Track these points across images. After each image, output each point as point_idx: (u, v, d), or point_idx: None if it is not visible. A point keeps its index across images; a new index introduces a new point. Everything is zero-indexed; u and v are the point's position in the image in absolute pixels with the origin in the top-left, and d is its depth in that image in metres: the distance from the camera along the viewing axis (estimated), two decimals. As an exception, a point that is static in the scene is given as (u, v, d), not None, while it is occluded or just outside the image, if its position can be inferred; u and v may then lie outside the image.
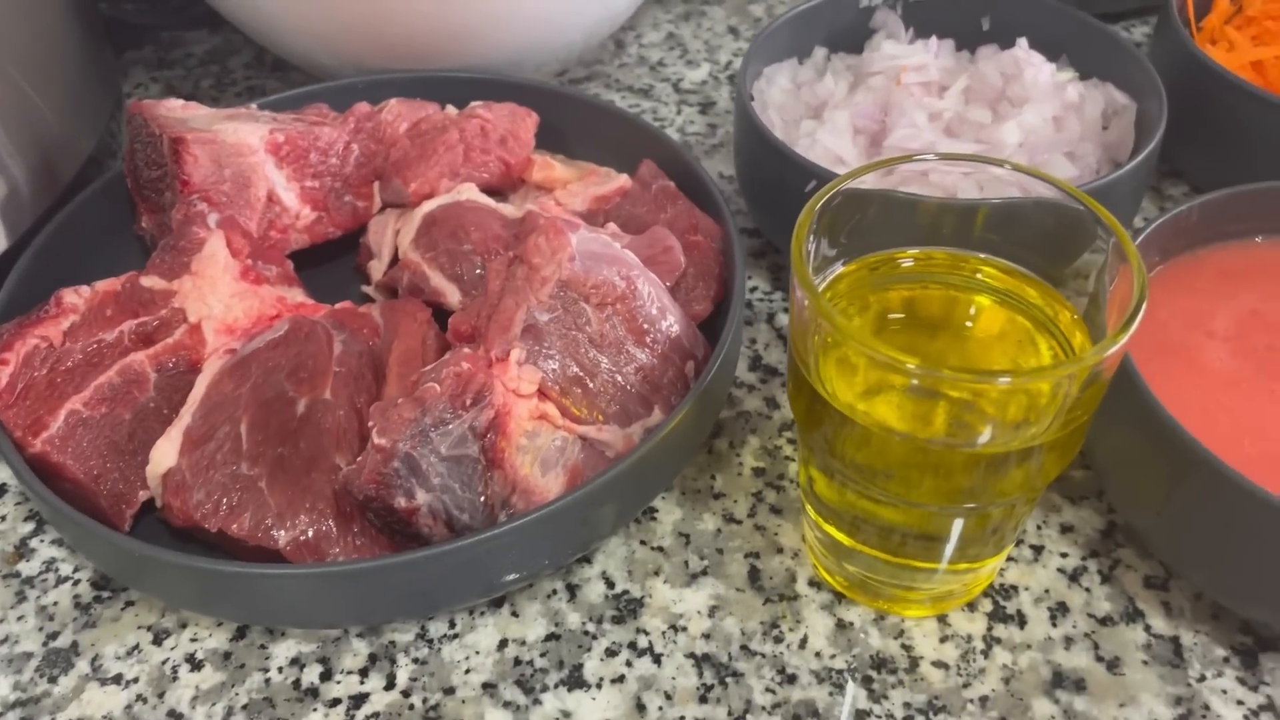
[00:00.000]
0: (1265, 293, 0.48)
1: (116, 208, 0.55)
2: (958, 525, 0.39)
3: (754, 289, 0.58)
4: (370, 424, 0.40)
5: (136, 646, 0.43)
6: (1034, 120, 0.55)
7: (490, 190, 0.55)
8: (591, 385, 0.44)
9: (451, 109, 0.58)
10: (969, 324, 0.41)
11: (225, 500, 0.41)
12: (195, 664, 0.43)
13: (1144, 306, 0.33)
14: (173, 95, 0.73)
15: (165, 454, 0.42)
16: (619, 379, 0.44)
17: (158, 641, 0.43)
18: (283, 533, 0.41)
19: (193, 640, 0.43)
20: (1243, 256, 0.49)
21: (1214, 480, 0.38)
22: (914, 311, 0.41)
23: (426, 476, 0.39)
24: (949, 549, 0.40)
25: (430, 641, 0.43)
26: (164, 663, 0.43)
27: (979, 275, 0.40)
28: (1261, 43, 0.63)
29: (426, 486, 0.39)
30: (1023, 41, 0.59)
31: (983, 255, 0.40)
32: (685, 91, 0.72)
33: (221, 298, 0.47)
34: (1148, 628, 0.43)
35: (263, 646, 0.43)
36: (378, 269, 0.54)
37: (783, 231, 0.57)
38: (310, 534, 0.41)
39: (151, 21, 0.74)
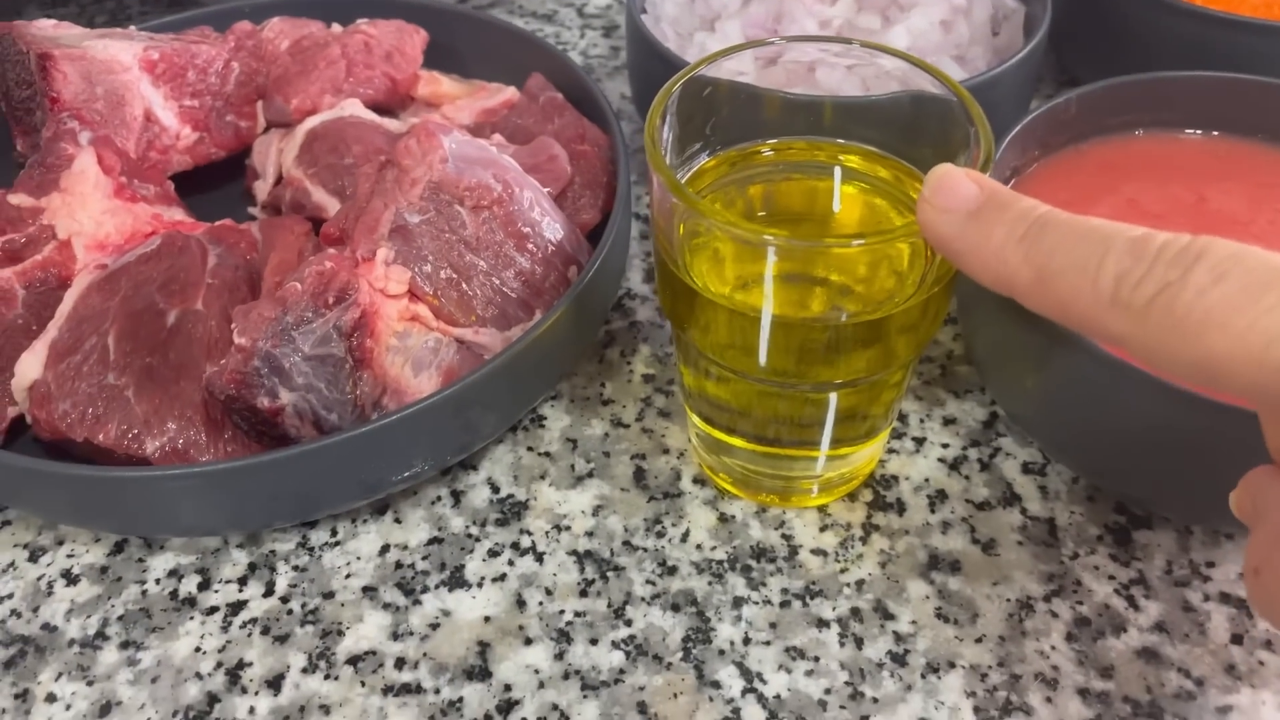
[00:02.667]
0: (1143, 183, 0.48)
1: (-6, 134, 0.54)
2: (828, 410, 0.39)
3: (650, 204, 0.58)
4: (232, 325, 0.39)
5: (12, 564, 0.43)
6: (921, 24, 0.54)
7: (377, 107, 0.55)
8: (467, 288, 0.43)
9: (337, 26, 0.57)
10: (832, 212, 0.41)
11: (91, 410, 0.41)
12: (71, 579, 0.42)
13: (991, 163, 0.33)
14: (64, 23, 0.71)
15: (30, 366, 0.42)
16: (496, 282, 0.44)
17: (33, 559, 0.43)
18: (150, 440, 0.40)
19: (69, 556, 0.43)
20: (1122, 150, 0.49)
21: (1079, 356, 0.38)
22: (776, 205, 0.41)
23: (290, 376, 0.39)
24: (822, 436, 0.40)
25: (311, 550, 0.43)
26: (39, 579, 0.42)
27: (839, 160, 0.40)
28: (1155, -50, 0.63)
29: (290, 386, 0.39)
30: (914, -52, 0.59)
31: (841, 141, 0.40)
32: (589, 16, 0.71)
33: (92, 214, 0.46)
34: (1024, 510, 0.43)
35: (140, 560, 0.43)
36: (263, 189, 0.53)
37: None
38: (179, 442, 0.40)
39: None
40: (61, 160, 0.47)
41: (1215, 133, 0.49)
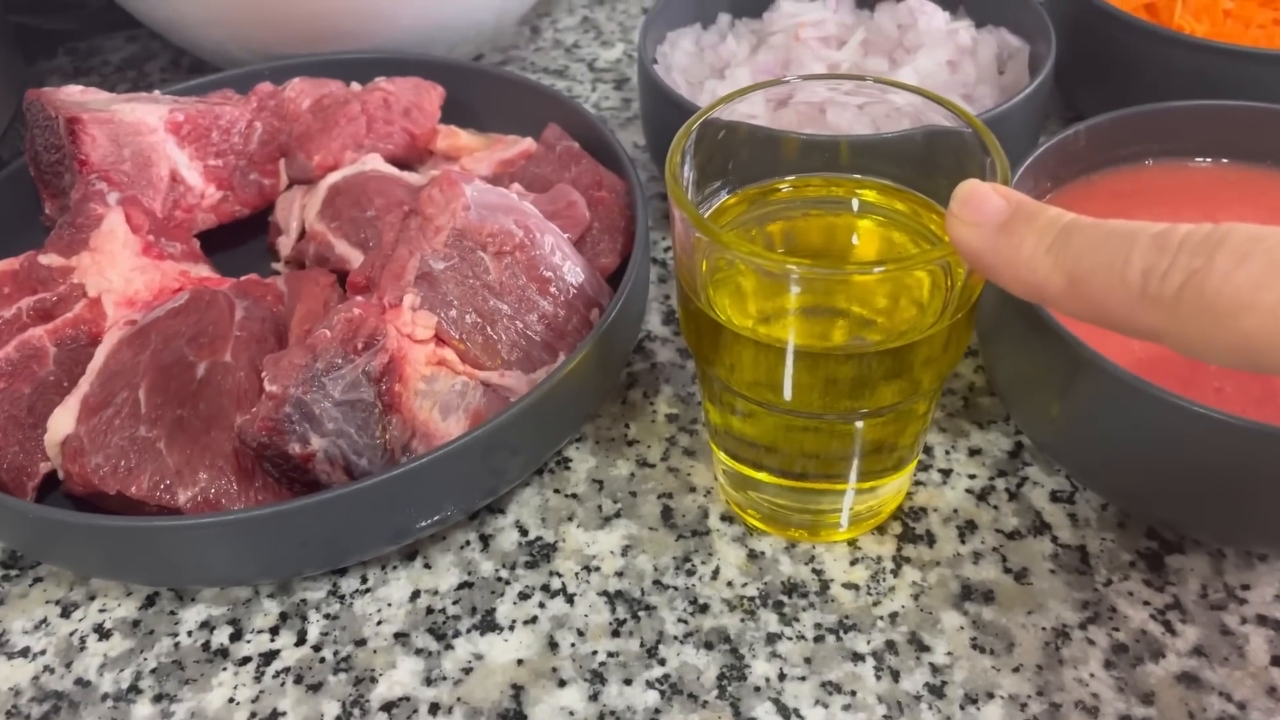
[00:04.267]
0: (1155, 212, 0.48)
1: (22, 199, 0.55)
2: (855, 443, 0.40)
3: (668, 248, 0.59)
4: (263, 373, 0.40)
5: (44, 620, 0.43)
6: (928, 65, 0.55)
7: (397, 162, 0.56)
8: (492, 332, 0.44)
9: (356, 85, 0.58)
10: (851, 247, 0.41)
11: (123, 462, 0.41)
12: (103, 633, 0.42)
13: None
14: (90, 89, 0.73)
15: (63, 422, 0.42)
16: (520, 326, 0.45)
17: (66, 614, 0.43)
18: (182, 491, 0.40)
19: (101, 611, 0.43)
20: (1133, 180, 0.50)
21: (1105, 383, 0.39)
22: (796, 241, 0.42)
23: (320, 421, 0.39)
24: (850, 470, 0.41)
25: (342, 597, 0.43)
26: (72, 634, 0.42)
27: (856, 194, 0.41)
28: (1154, -14, 0.64)
29: (321, 431, 0.39)
30: (917, -8, 0.60)
31: (857, 176, 0.41)
32: (600, 70, 0.73)
33: (121, 272, 0.47)
34: (1055, 539, 0.43)
35: (172, 613, 0.43)
36: (286, 244, 0.54)
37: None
38: (211, 491, 0.41)
39: (65, 28, 0.74)
40: (90, 220, 0.48)
41: (1225, 160, 0.50)
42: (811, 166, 0.42)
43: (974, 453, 0.46)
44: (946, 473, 0.46)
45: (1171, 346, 0.27)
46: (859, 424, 0.39)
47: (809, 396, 0.37)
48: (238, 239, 0.56)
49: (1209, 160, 0.50)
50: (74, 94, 0.52)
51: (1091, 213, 0.48)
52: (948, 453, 0.47)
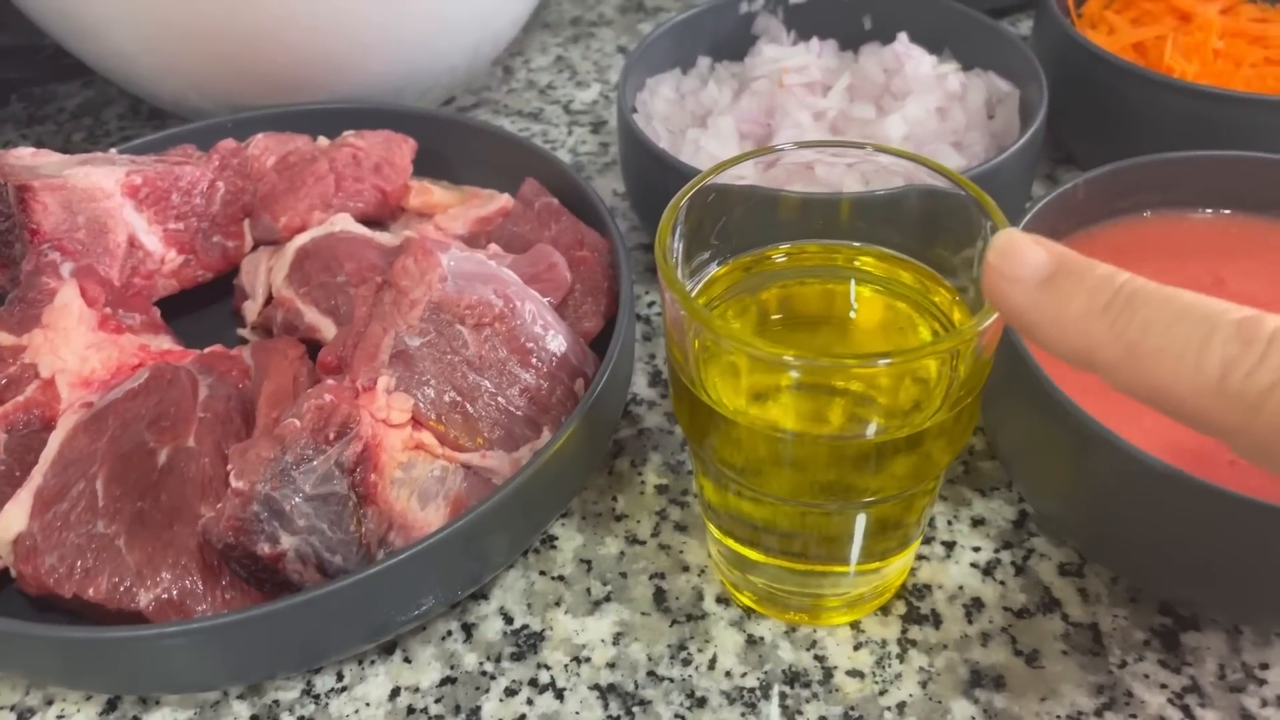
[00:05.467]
0: (1157, 266, 0.47)
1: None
2: (858, 524, 0.38)
3: (651, 303, 0.57)
4: (229, 466, 0.37)
5: (-3, 730, 0.40)
6: (917, 112, 0.54)
7: (368, 220, 0.53)
8: (472, 410, 0.42)
9: (324, 140, 0.56)
10: (850, 316, 0.40)
11: (80, 563, 0.38)
12: (61, 743, 0.39)
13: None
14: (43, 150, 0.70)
15: (14, 518, 0.40)
16: (502, 401, 0.42)
17: (20, 722, 0.40)
18: (144, 593, 0.38)
19: (59, 717, 0.40)
20: (1133, 232, 0.49)
21: (1114, 458, 0.37)
22: (793, 309, 0.40)
23: (290, 519, 0.36)
24: (852, 550, 0.39)
25: (316, 697, 0.40)
26: (27, 745, 0.40)
27: (856, 264, 0.39)
28: (1141, 25, 0.63)
29: (291, 529, 0.36)
30: (903, 36, 0.59)
31: (857, 244, 0.39)
32: (576, 112, 0.71)
33: (76, 349, 0.45)
34: (1065, 616, 0.41)
35: (135, 718, 0.40)
36: (252, 310, 0.51)
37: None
38: (174, 592, 0.38)
39: (20, 75, 0.71)
40: (43, 295, 0.45)
41: (1226, 211, 0.48)
42: (809, 229, 0.40)
43: (977, 523, 0.45)
44: (950, 545, 0.44)
45: (1237, 448, 0.24)
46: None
47: (809, 485, 0.35)
48: (200, 303, 0.54)
49: (1210, 211, 0.49)
50: (24, 157, 0.50)
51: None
52: (950, 523, 0.45)
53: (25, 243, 0.47)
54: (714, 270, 0.39)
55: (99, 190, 0.48)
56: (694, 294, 0.38)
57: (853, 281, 0.39)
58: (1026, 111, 0.55)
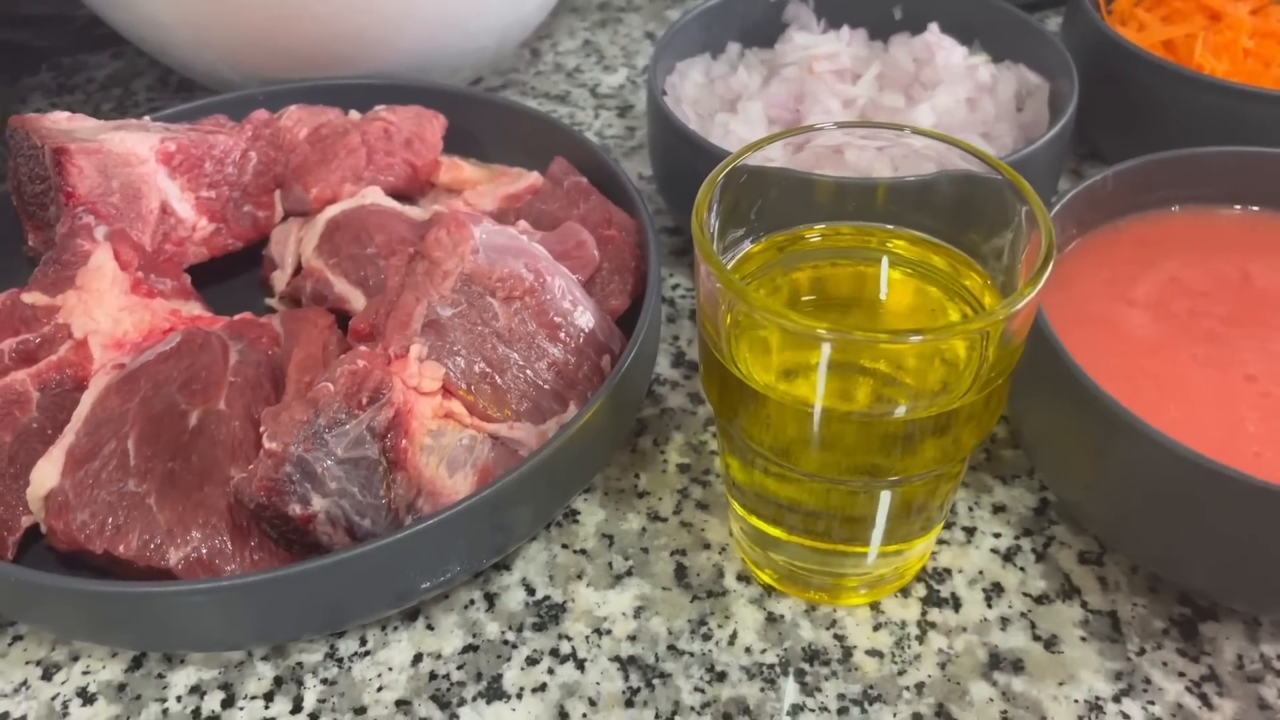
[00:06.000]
0: (1184, 260, 0.47)
1: (4, 230, 0.52)
2: (882, 504, 0.38)
3: (675, 286, 0.57)
4: (262, 428, 0.38)
5: (24, 683, 0.40)
6: (947, 102, 0.54)
7: (398, 194, 0.54)
8: (500, 381, 0.42)
9: (355, 113, 0.56)
10: (881, 298, 0.40)
11: (111, 519, 0.39)
12: (88, 698, 0.40)
13: (1052, 258, 0.32)
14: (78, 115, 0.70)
15: (46, 474, 0.40)
16: (530, 374, 0.43)
17: (47, 676, 0.41)
18: (173, 551, 0.38)
19: (85, 673, 0.41)
20: (1160, 226, 0.49)
21: (1140, 445, 0.37)
22: (825, 290, 0.40)
23: (322, 481, 0.37)
24: (875, 531, 0.39)
25: (340, 660, 0.41)
26: (54, 698, 0.40)
27: (888, 247, 0.39)
28: (1171, 22, 0.63)
29: (323, 491, 0.37)
30: (934, 26, 0.59)
31: (890, 227, 0.39)
32: (603, 96, 0.71)
33: (109, 311, 0.45)
34: (1084, 604, 0.41)
35: (160, 676, 0.40)
36: (281, 279, 0.52)
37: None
38: (203, 551, 0.38)
39: (51, 45, 0.72)
40: (77, 257, 0.46)
41: (1255, 208, 0.49)
42: (843, 212, 0.40)
43: (998, 509, 0.45)
44: (970, 531, 0.44)
45: None
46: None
47: (837, 463, 0.36)
48: (230, 273, 0.54)
49: (1238, 207, 0.49)
50: (60, 121, 0.50)
51: (1118, 259, 0.47)
52: (971, 509, 0.45)
53: (60, 205, 0.47)
54: (748, 248, 0.39)
55: (134, 155, 0.49)
56: (729, 268, 0.39)
57: (885, 264, 0.39)
58: (1056, 105, 0.55)
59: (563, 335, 0.44)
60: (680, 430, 0.49)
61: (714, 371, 0.37)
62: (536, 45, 0.76)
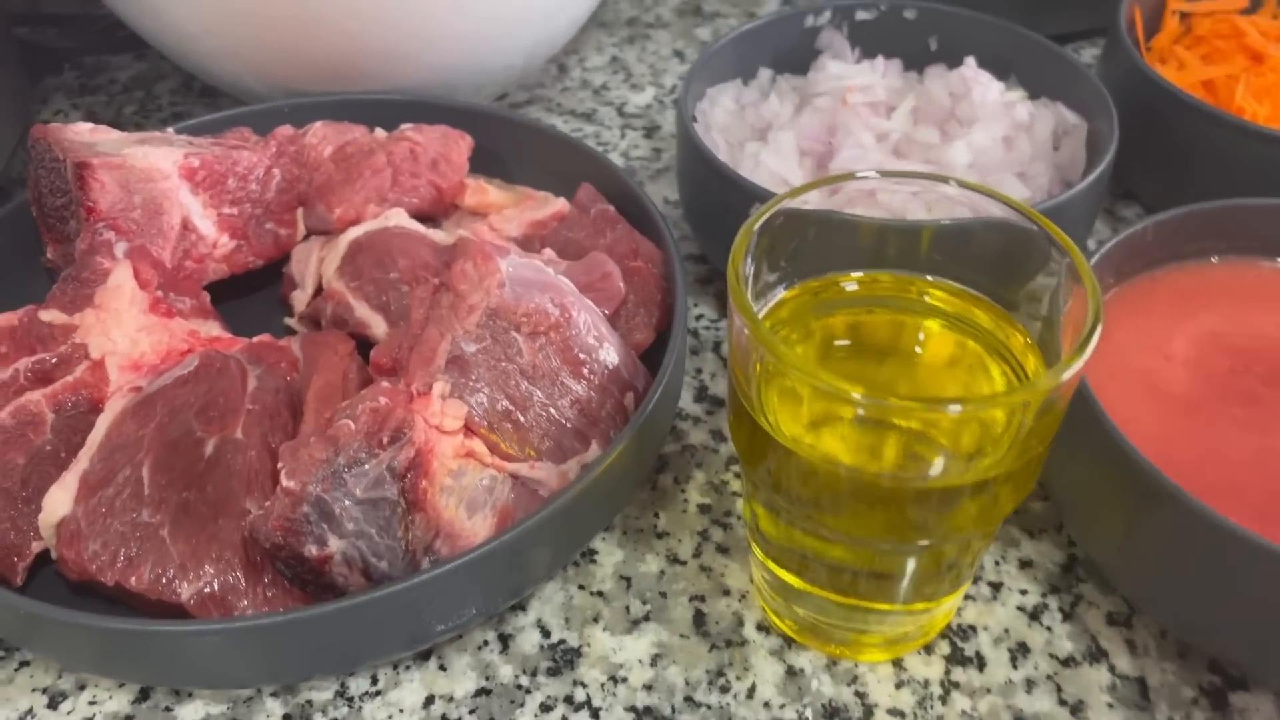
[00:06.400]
0: (1224, 314, 0.46)
1: (24, 238, 0.52)
2: (911, 563, 0.37)
3: (699, 316, 0.56)
4: (280, 465, 0.37)
5: (30, 711, 0.40)
6: (983, 140, 0.53)
7: (422, 216, 0.53)
8: (523, 420, 0.41)
9: (380, 132, 0.55)
10: (918, 349, 0.39)
11: (123, 551, 0.38)
12: (92, 730, 0.39)
13: (1099, 329, 0.31)
14: (94, 122, 0.70)
15: (59, 501, 0.39)
16: (553, 412, 0.42)
17: (53, 705, 0.40)
18: (186, 585, 0.37)
19: (91, 704, 0.40)
20: (1199, 277, 0.48)
21: (1176, 511, 0.36)
22: (860, 337, 0.39)
23: (340, 522, 0.36)
24: (903, 588, 0.38)
25: (350, 700, 0.40)
26: (58, 729, 0.39)
27: (926, 298, 0.38)
28: (1211, 62, 0.62)
29: (340, 533, 0.36)
30: (970, 60, 0.58)
31: (930, 277, 0.39)
32: (629, 115, 0.70)
33: (127, 332, 0.44)
34: (1112, 668, 0.40)
35: (168, 709, 0.40)
36: (301, 300, 0.51)
37: (728, 257, 0.55)
38: (215, 586, 0.38)
39: (74, 45, 0.71)
40: (96, 275, 0.45)
41: (1296, 262, 0.48)
42: (882, 258, 0.39)
43: (1025, 565, 0.44)
44: (997, 587, 0.43)
45: None
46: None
47: (865, 523, 0.35)
48: (249, 289, 0.53)
49: (1279, 260, 0.48)
50: (83, 133, 0.49)
51: (1155, 311, 0.46)
52: (997, 564, 0.44)
53: (80, 220, 0.47)
54: (781, 294, 0.38)
55: (156, 171, 0.48)
56: (761, 315, 0.38)
57: (923, 315, 0.39)
58: (1094, 144, 0.54)
59: (586, 372, 0.43)
60: (701, 468, 0.48)
61: (743, 420, 0.36)
62: (564, 60, 0.75)
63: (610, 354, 0.44)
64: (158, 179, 0.48)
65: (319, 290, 0.51)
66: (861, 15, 0.61)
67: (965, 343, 0.37)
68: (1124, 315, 0.46)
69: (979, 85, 0.55)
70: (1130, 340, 0.45)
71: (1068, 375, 0.31)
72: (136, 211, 0.47)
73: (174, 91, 0.73)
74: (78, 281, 0.45)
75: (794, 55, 0.62)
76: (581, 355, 0.43)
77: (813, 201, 0.38)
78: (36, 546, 0.40)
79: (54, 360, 0.43)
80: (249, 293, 0.53)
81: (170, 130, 0.54)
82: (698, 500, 0.47)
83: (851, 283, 0.39)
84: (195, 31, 0.58)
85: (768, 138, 0.56)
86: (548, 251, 0.49)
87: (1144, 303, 0.47)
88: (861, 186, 0.39)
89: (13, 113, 0.61)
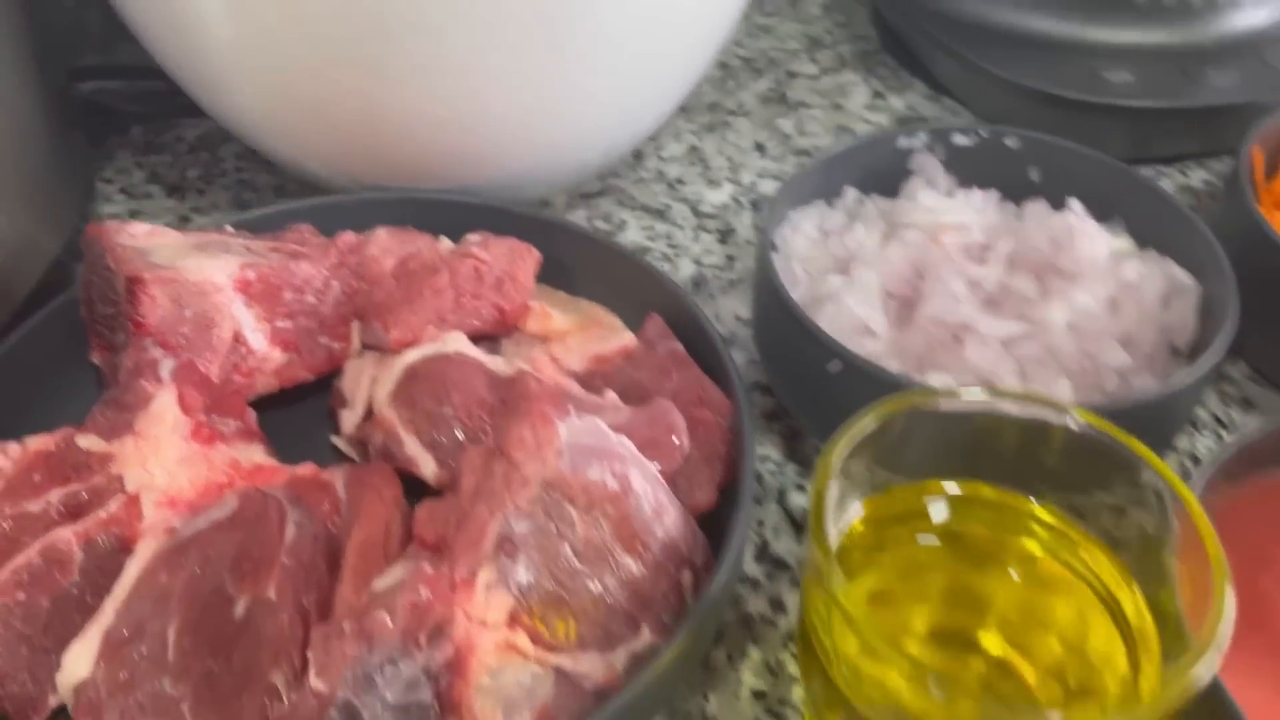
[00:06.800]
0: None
1: (76, 327, 0.50)
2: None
3: (764, 459, 0.53)
4: (309, 652, 0.34)
5: None
6: (1086, 301, 0.49)
7: (482, 336, 0.50)
8: (571, 605, 0.38)
9: (446, 242, 0.53)
10: (1014, 577, 0.36)
11: (141, 726, 0.36)
12: None
13: (1229, 632, 0.28)
14: (157, 184, 0.68)
15: (80, 661, 0.37)
16: (602, 594, 0.39)
17: None
18: (202, 773, 0.35)
19: None
20: (1318, 483, 0.44)
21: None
22: (955, 538, 0.36)
23: (368, 728, 0.34)
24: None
25: None
26: None
27: (1032, 526, 0.35)
28: (1337, 211, 0.57)
29: (368, 739, 0.34)
30: (1076, 204, 0.54)
31: (1033, 499, 0.35)
32: (704, 215, 0.67)
33: (166, 464, 0.42)
34: None
35: None
36: (350, 419, 0.49)
37: (799, 400, 0.52)
38: (234, 775, 0.35)
39: (138, 109, 0.70)
40: (139, 399, 0.43)
41: None
42: (984, 465, 0.36)
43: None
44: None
45: None
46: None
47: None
48: (298, 397, 0.51)
49: None
50: (139, 236, 0.48)
51: (1268, 522, 0.42)
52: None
53: (129, 333, 0.45)
54: (860, 511, 0.35)
55: (210, 284, 0.46)
56: (845, 527, 0.35)
57: (1025, 534, 0.35)
58: (1210, 311, 0.50)
59: (641, 548, 0.40)
60: (758, 645, 0.45)
61: (813, 665, 0.33)
62: (640, 147, 0.72)
63: (668, 526, 0.41)
64: (211, 292, 0.46)
65: (369, 413, 0.49)
66: (959, 140, 0.58)
67: (1074, 584, 0.34)
68: (1228, 525, 0.41)
69: (1084, 235, 0.52)
70: (1235, 557, 0.41)
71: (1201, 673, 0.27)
72: (187, 326, 0.45)
73: (239, 155, 0.71)
74: (118, 405, 0.43)
75: (883, 175, 0.59)
76: (637, 529, 0.40)
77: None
78: (54, 701, 0.38)
79: (87, 494, 0.41)
80: (298, 400, 0.51)
81: (229, 228, 0.52)
82: (752, 684, 0.44)
83: (940, 506, 0.35)
84: (259, 114, 0.57)
85: (850, 271, 0.53)
86: (610, 395, 0.47)
87: (1255, 511, 0.43)
88: (963, 407, 0.36)
89: (75, 178, 0.60)
